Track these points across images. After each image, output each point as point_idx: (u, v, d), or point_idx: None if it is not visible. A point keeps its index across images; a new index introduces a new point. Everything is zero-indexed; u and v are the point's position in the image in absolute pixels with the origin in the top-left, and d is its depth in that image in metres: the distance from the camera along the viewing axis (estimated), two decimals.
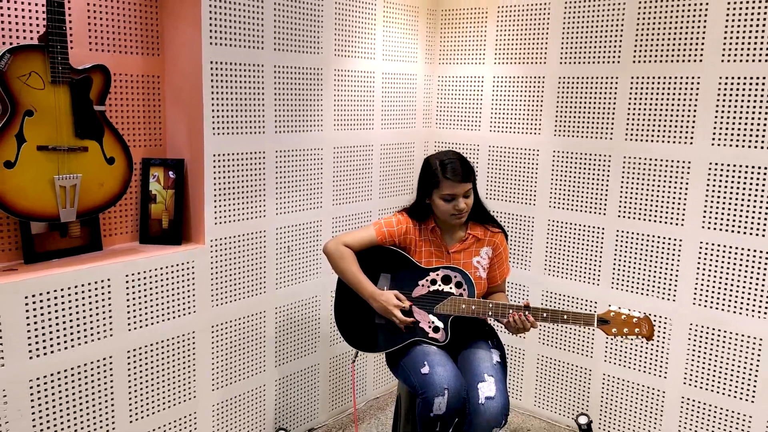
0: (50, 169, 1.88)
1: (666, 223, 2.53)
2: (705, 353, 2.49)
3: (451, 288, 2.08)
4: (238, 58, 2.27)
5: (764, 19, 2.24)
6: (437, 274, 2.10)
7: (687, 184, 2.46)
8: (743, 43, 2.29)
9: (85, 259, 2.04)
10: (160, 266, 2.13)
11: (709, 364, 2.49)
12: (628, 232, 2.63)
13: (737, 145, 2.34)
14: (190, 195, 2.29)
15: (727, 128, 2.36)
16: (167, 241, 2.26)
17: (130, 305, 2.07)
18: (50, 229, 2.01)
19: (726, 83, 2.34)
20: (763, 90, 2.27)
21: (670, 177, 2.50)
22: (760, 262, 2.33)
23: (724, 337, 2.44)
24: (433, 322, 2.08)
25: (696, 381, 2.52)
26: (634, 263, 2.62)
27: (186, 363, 2.26)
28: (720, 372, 2.46)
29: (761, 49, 2.26)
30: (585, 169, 2.72)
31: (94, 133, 1.96)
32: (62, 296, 1.90)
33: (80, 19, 2.04)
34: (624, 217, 2.63)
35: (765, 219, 2.31)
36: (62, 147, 1.89)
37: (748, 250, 2.35)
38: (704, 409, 2.51)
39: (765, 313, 2.34)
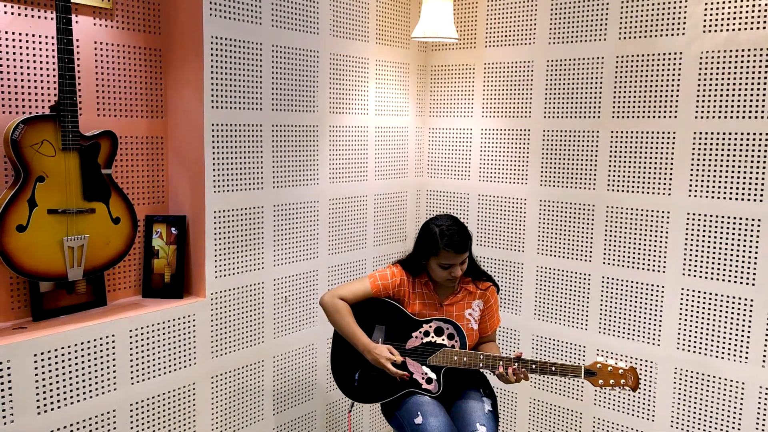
0: (59, 231, 1.97)
1: (648, 270, 2.63)
2: (690, 396, 2.57)
3: (443, 339, 2.17)
4: (238, 120, 2.38)
5: (734, 80, 2.39)
6: (430, 326, 2.19)
7: (667, 233, 2.58)
8: (715, 101, 2.43)
9: (90, 315, 2.11)
10: (163, 320, 2.21)
11: (695, 408, 2.57)
12: (613, 279, 2.73)
13: (712, 197, 2.46)
14: (191, 250, 2.38)
15: (702, 180, 2.48)
16: (169, 295, 2.34)
17: (134, 359, 2.14)
18: (57, 287, 2.10)
19: (700, 138, 2.48)
20: (734, 145, 2.40)
21: (651, 226, 2.62)
22: (738, 308, 2.44)
23: (708, 380, 2.53)
24: (426, 374, 2.16)
25: (682, 424, 2.60)
26: (620, 308, 2.72)
27: (186, 414, 2.32)
28: (705, 415, 2.54)
29: (732, 106, 2.40)
30: (570, 217, 2.83)
31: (101, 196, 2.06)
32: (69, 353, 1.97)
33: (89, 87, 2.16)
34: (609, 264, 2.73)
35: (740, 266, 2.42)
36: (71, 210, 1.99)
37: (727, 296, 2.46)
38: None
39: (746, 357, 2.43)
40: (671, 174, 2.55)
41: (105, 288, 2.23)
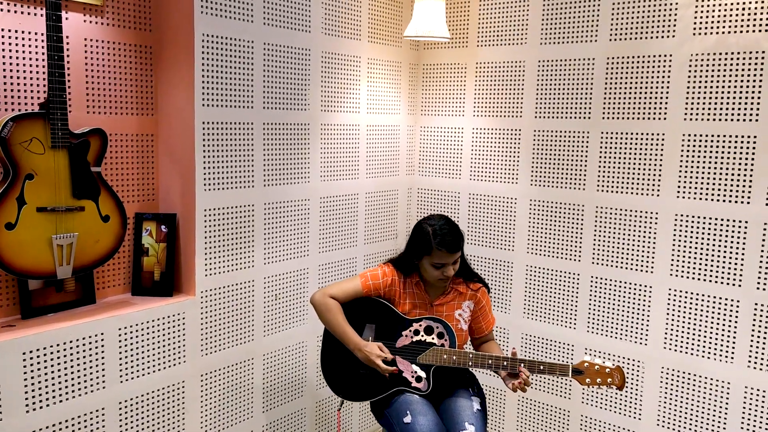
0: (48, 229, 1.96)
1: (637, 270, 2.65)
2: (676, 396, 2.60)
3: (433, 338, 2.18)
4: (229, 118, 2.38)
5: (723, 82, 2.40)
6: (420, 325, 2.20)
7: (655, 233, 2.60)
8: (704, 104, 2.45)
9: (79, 313, 2.11)
10: (152, 319, 2.21)
11: (681, 407, 2.60)
12: (601, 278, 2.75)
13: (700, 198, 2.48)
14: (181, 248, 2.37)
15: (690, 182, 2.50)
16: (159, 293, 2.34)
17: (123, 358, 2.14)
18: (46, 285, 2.09)
19: (689, 140, 2.50)
20: (722, 147, 2.42)
21: (640, 226, 2.64)
22: (724, 309, 2.46)
23: (694, 380, 2.55)
24: (415, 372, 2.17)
25: (668, 423, 2.63)
26: (608, 308, 2.74)
27: (175, 412, 2.32)
28: (691, 414, 2.57)
29: (721, 109, 2.42)
30: (560, 217, 2.85)
31: (90, 194, 2.05)
32: (58, 351, 1.97)
33: (79, 84, 2.15)
34: (598, 263, 2.75)
35: (727, 268, 2.44)
36: (60, 208, 1.98)
37: (713, 297, 2.48)
38: None
39: (732, 357, 2.46)
40: (660, 175, 2.57)
41: (94, 286, 2.22)
